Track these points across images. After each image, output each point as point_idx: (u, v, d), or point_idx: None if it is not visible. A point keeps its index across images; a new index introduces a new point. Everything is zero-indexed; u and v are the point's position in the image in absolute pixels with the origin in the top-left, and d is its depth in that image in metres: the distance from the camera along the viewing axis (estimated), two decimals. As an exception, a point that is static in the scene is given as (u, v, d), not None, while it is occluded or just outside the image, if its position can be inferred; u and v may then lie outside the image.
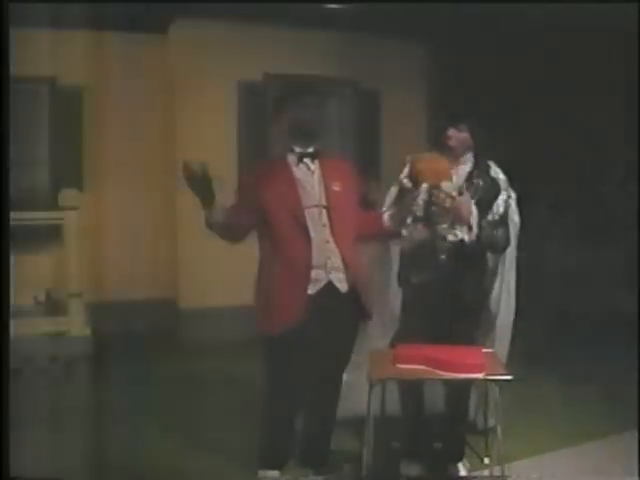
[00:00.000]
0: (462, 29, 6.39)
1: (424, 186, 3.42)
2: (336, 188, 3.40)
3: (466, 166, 3.61)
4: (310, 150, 3.45)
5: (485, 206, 3.51)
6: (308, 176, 3.44)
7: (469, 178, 3.58)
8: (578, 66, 6.65)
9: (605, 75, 6.62)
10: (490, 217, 3.52)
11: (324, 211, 3.38)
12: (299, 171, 3.43)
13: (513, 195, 3.70)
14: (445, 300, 3.47)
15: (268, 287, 3.37)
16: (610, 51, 6.19)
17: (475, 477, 3.58)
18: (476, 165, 3.62)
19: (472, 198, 3.47)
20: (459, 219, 3.45)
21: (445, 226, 3.50)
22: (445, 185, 3.42)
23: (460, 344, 3.33)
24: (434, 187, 3.43)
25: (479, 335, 3.67)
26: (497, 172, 3.64)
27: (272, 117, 3.54)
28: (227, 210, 3.28)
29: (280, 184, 3.37)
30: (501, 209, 3.57)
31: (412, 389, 3.56)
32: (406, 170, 3.50)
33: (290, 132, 3.43)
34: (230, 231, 3.36)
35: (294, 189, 3.37)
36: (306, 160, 3.44)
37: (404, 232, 3.47)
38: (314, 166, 3.45)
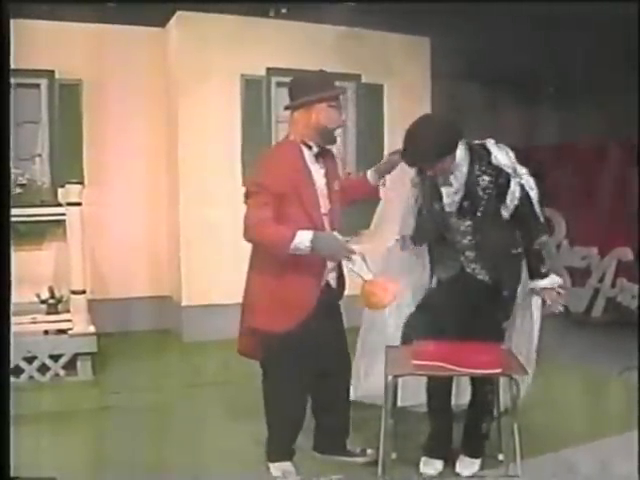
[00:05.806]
0: (466, 22, 6.34)
1: None
2: (336, 187, 3.45)
3: (462, 167, 3.29)
4: (326, 147, 3.44)
5: (499, 199, 3.28)
6: (321, 178, 3.43)
7: (469, 180, 3.27)
8: (591, 65, 6.63)
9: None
10: (505, 212, 3.31)
11: (328, 217, 3.42)
12: (316, 171, 3.40)
13: (524, 171, 3.33)
14: (471, 296, 3.41)
15: (277, 286, 3.35)
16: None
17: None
18: (472, 159, 3.28)
19: (480, 199, 3.28)
20: None
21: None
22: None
23: (487, 339, 3.30)
24: None
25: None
26: (498, 157, 3.28)
27: (294, 114, 3.42)
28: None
29: (302, 187, 3.33)
30: (516, 200, 3.28)
31: (439, 386, 3.52)
32: None
33: (317, 132, 3.35)
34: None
35: (315, 195, 3.36)
36: (320, 158, 3.43)
37: None
38: (324, 165, 3.46)
